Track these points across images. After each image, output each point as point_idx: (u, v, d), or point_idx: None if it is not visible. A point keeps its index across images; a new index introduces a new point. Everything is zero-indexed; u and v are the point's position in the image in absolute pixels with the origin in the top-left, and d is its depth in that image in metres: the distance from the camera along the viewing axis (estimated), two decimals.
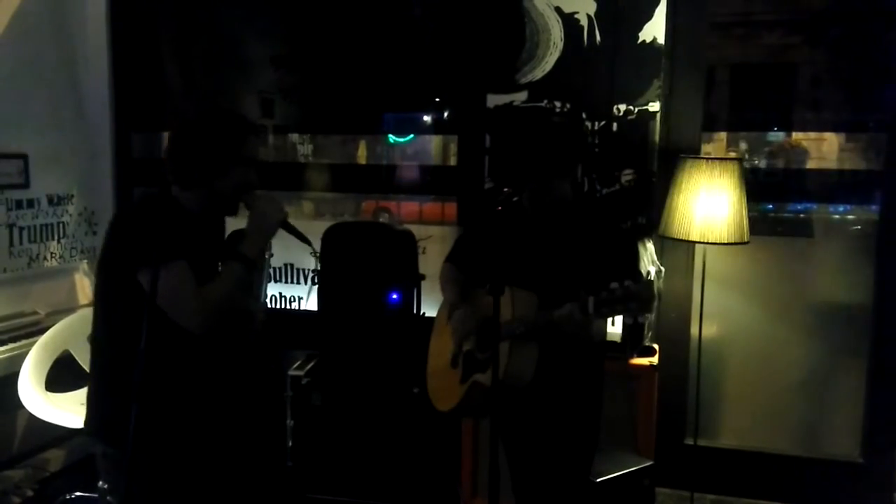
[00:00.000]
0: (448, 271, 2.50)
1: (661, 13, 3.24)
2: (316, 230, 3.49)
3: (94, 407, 2.01)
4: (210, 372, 2.05)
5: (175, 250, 1.81)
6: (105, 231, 1.98)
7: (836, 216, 3.50)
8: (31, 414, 2.85)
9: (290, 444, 3.32)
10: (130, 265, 1.85)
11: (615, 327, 3.07)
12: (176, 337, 1.80)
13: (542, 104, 3.39)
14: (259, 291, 3.17)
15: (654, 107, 3.28)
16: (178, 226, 1.87)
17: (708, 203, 2.90)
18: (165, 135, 1.98)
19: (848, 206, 3.50)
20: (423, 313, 3.35)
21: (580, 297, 1.99)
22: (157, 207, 1.97)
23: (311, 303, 3.63)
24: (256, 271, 2.10)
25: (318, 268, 2.04)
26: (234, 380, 2.16)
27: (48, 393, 2.85)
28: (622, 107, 3.31)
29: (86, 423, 2.03)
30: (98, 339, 2.01)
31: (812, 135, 3.58)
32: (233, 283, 1.93)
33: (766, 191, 3.57)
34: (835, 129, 3.55)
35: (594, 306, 1.95)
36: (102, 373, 2.01)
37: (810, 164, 3.58)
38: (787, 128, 3.66)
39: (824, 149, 3.56)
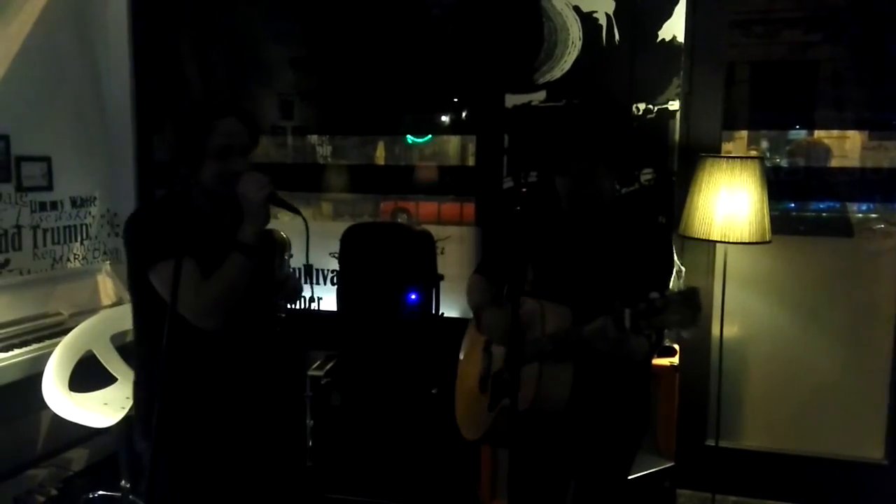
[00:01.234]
0: (477, 283, 2.30)
1: (680, 11, 3.22)
2: (335, 231, 3.51)
3: (134, 405, 2.09)
4: (235, 367, 2.07)
5: (175, 247, 1.79)
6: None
7: (860, 215, 3.45)
8: (54, 414, 2.87)
9: (310, 443, 3.33)
10: (139, 267, 1.89)
11: None
12: (198, 334, 1.81)
13: (561, 104, 3.39)
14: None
15: (674, 105, 3.27)
16: (181, 223, 1.84)
17: (729, 202, 2.88)
18: None
19: (871, 205, 3.45)
20: (442, 314, 3.36)
21: (615, 308, 1.76)
22: (160, 207, 1.98)
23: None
24: (277, 269, 2.10)
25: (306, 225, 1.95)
26: (256, 377, 2.17)
27: (72, 393, 2.87)
28: (641, 106, 3.30)
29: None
30: (134, 339, 2.08)
31: (834, 133, 3.54)
32: (234, 274, 1.86)
33: (787, 189, 3.53)
34: (857, 127, 3.50)
35: (631, 319, 1.72)
36: (136, 371, 2.09)
37: (833, 163, 3.54)
38: (809, 126, 3.62)
39: (847, 147, 3.52)
